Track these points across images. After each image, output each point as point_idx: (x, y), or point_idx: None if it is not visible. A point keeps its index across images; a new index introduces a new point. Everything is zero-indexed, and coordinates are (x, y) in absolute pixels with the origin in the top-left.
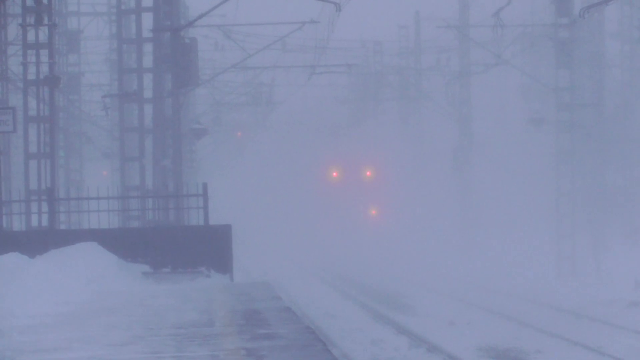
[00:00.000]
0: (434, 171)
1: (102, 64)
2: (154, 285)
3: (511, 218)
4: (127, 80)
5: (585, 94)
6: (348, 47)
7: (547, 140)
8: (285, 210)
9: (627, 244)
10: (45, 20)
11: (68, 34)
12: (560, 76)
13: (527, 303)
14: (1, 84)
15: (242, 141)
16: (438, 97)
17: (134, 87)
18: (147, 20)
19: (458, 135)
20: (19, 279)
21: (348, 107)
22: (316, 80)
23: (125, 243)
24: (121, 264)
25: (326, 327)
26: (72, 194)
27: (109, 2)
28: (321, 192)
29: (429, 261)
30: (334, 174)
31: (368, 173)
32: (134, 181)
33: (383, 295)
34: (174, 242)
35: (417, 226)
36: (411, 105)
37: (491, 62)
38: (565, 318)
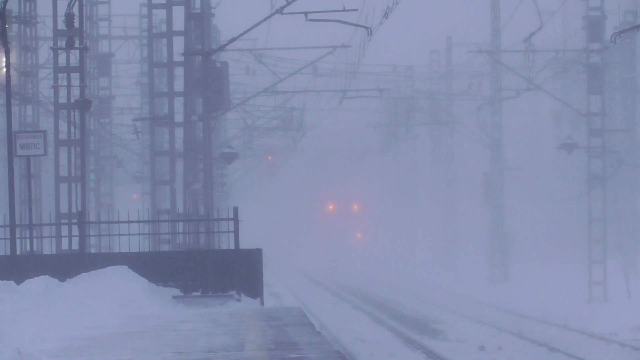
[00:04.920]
0: (465, 196)
1: (133, 88)
2: (184, 309)
3: (542, 243)
4: (158, 103)
5: (616, 119)
6: (379, 72)
7: (578, 165)
8: (304, 231)
9: None
10: (77, 44)
11: (99, 57)
12: (592, 101)
13: (557, 328)
14: (32, 107)
15: (273, 165)
16: (469, 122)
17: (164, 110)
18: (179, 44)
19: (489, 160)
20: (49, 302)
21: (379, 132)
22: (347, 105)
23: (155, 267)
24: (152, 288)
25: (356, 352)
26: (102, 218)
27: (140, 26)
28: (323, 219)
29: (458, 285)
30: (330, 207)
31: (355, 207)
32: (164, 205)
33: (414, 319)
34: (204, 265)
35: (416, 248)
36: (442, 130)
37: (522, 87)
38: (595, 344)
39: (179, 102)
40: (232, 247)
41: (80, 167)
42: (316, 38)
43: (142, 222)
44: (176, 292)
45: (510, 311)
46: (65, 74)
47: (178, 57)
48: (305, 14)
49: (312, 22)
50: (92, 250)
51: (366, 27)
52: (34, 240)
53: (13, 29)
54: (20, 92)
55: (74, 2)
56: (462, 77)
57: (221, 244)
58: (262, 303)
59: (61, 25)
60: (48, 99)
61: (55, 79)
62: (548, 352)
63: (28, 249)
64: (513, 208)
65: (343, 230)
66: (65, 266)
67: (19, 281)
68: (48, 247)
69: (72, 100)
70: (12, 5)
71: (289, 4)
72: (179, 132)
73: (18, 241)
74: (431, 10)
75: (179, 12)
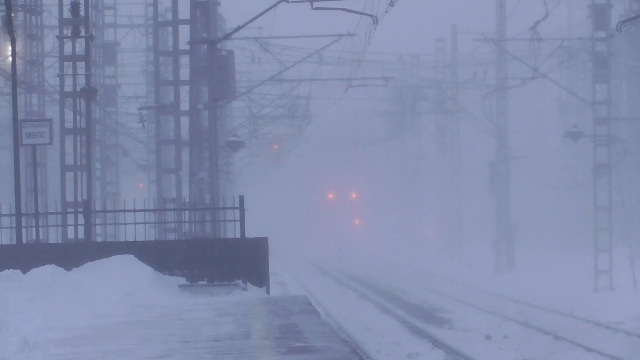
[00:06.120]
0: (470, 184)
1: (139, 76)
2: (190, 298)
3: (548, 231)
4: (163, 92)
5: (622, 107)
6: (385, 60)
7: (584, 154)
8: (309, 220)
9: None
10: (82, 32)
11: (105, 46)
12: (598, 90)
13: (563, 317)
14: (38, 96)
15: (279, 154)
16: (475, 111)
17: (170, 99)
18: (184, 32)
19: (495, 149)
20: (55, 291)
21: (385, 120)
22: (353, 93)
23: (161, 255)
24: (157, 277)
25: (363, 341)
26: (108, 206)
27: (145, 15)
28: (325, 207)
29: (463, 274)
30: (330, 196)
31: (353, 195)
32: (170, 193)
33: (420, 308)
34: (210, 254)
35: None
36: (448, 118)
37: (528, 75)
38: (601, 333)
39: (184, 91)
40: (238, 235)
41: (86, 155)
42: (322, 26)
43: (147, 210)
44: (182, 281)
45: (516, 300)
46: (71, 63)
47: (184, 46)
48: (311, 2)
49: (317, 11)
50: (98, 239)
51: (372, 16)
52: (40, 229)
53: (19, 17)
54: (26, 81)
55: None
56: (468, 66)
57: (227, 232)
58: (268, 292)
59: (67, 14)
60: (54, 88)
61: (61, 67)
62: (554, 341)
63: (34, 237)
64: (519, 197)
65: (343, 218)
66: (71, 255)
67: (24, 270)
68: (54, 236)
69: (78, 88)
70: None
71: None
72: (185, 121)
73: (24, 230)
74: None
75: (184, 1)
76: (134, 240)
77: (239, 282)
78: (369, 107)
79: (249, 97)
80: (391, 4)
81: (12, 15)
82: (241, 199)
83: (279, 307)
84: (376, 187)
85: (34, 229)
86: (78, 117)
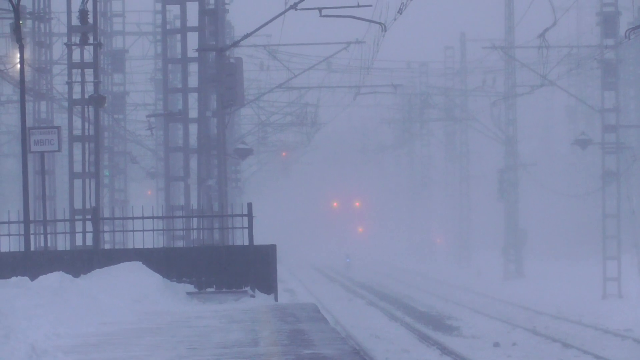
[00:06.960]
0: (479, 192)
1: (147, 84)
2: (198, 305)
3: (557, 239)
4: (172, 99)
5: (630, 115)
6: (393, 68)
7: (592, 161)
8: (317, 227)
9: None
10: (91, 40)
11: (113, 53)
12: (606, 97)
13: (572, 324)
14: (46, 103)
15: (287, 161)
16: (484, 118)
17: (179, 106)
18: (193, 40)
19: (504, 156)
20: (64, 298)
21: (393, 128)
22: (361, 101)
23: (169, 263)
24: (166, 284)
25: (371, 348)
26: (116, 214)
27: (154, 22)
28: (332, 215)
29: (472, 281)
30: (334, 204)
31: (357, 204)
32: (178, 201)
33: (428, 316)
34: (218, 262)
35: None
36: (457, 126)
37: (537, 83)
38: (610, 340)
39: (193, 98)
40: (246, 243)
41: (95, 163)
42: (330, 34)
43: (156, 218)
44: (190, 288)
45: (525, 307)
46: (79, 70)
47: (192, 53)
48: (319, 9)
49: (326, 18)
50: (106, 246)
51: (380, 23)
52: (48, 236)
53: (27, 25)
54: (34, 88)
55: None
56: (477, 73)
57: (235, 240)
58: (276, 299)
59: (75, 22)
60: (62, 95)
61: (70, 75)
62: (563, 348)
63: (42, 245)
64: (527, 204)
65: (348, 225)
66: (79, 262)
67: (33, 277)
68: (62, 243)
69: (86, 96)
70: (27, 2)
71: None
72: (193, 128)
73: (32, 237)
74: (445, 7)
75: (193, 8)
76: (142, 247)
77: (247, 289)
78: (378, 114)
79: (257, 105)
80: (400, 12)
81: (21, 22)
82: (249, 206)
83: (287, 314)
84: (384, 195)
85: (42, 236)
86: (86, 124)
